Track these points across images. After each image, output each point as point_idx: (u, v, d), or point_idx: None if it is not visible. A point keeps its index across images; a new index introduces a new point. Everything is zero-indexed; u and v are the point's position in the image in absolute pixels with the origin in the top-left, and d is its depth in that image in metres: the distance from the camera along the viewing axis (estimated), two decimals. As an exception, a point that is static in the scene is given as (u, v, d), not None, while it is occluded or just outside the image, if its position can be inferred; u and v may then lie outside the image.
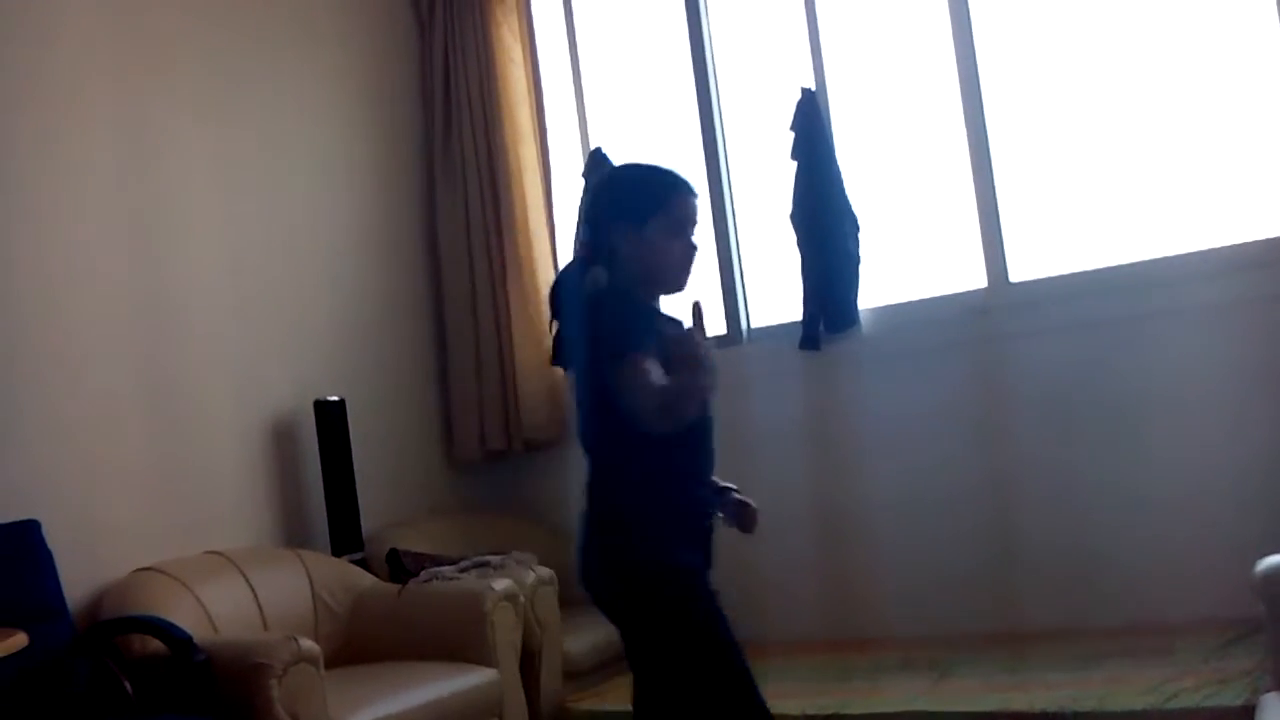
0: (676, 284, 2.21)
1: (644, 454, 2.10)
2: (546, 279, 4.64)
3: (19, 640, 2.37)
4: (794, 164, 4.21)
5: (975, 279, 4.02)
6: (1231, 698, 2.80)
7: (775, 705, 3.34)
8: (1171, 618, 3.54)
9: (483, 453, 4.70)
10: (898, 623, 3.99)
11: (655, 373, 1.99)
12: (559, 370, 4.58)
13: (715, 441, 2.25)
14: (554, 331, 2.33)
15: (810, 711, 3.29)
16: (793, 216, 4.22)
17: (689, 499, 2.19)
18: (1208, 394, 3.62)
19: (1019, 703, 3.08)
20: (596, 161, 4.59)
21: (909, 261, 4.20)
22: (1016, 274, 3.97)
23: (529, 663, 3.68)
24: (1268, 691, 2.21)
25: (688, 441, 2.15)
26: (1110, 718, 2.92)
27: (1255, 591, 2.23)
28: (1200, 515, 3.59)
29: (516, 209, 4.64)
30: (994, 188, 3.98)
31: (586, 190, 2.29)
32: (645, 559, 2.12)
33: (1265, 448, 3.53)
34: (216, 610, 3.39)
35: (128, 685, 3.01)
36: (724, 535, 2.38)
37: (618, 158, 4.56)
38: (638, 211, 2.15)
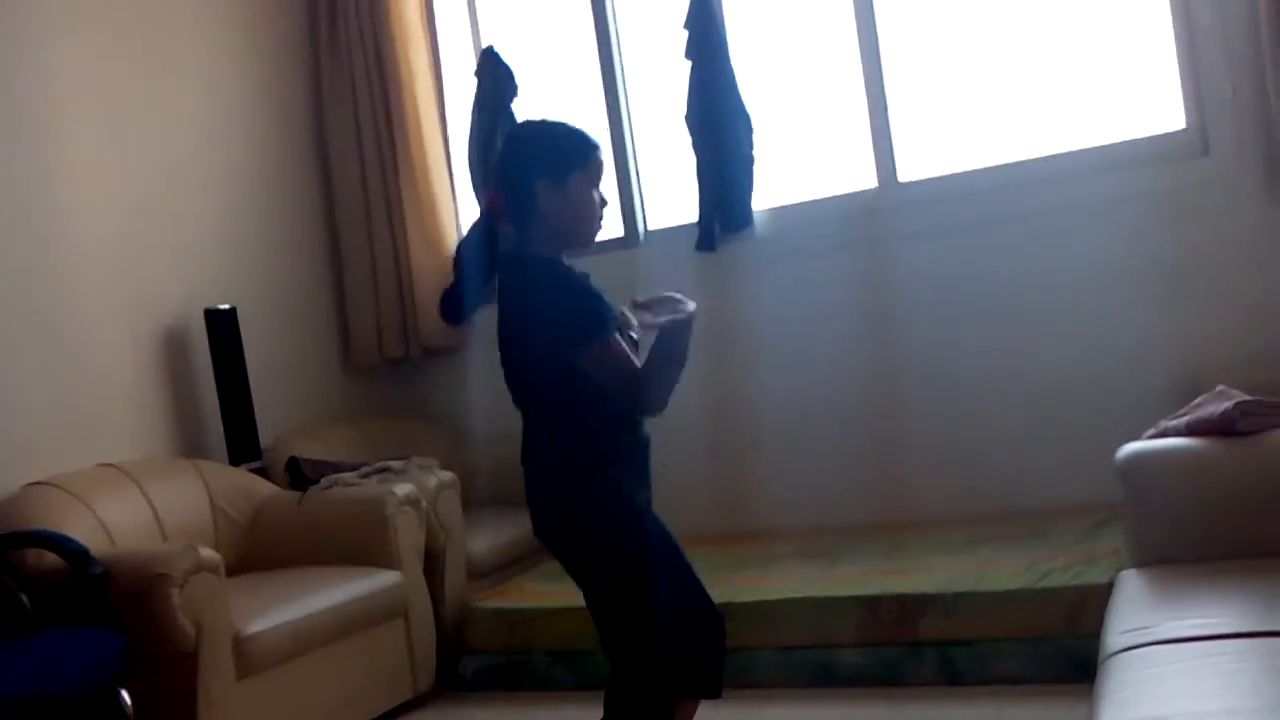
0: (591, 236, 2.26)
1: (597, 404, 2.14)
2: (441, 182, 4.60)
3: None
4: (688, 64, 4.21)
5: (865, 179, 4.10)
6: (1098, 575, 2.99)
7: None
8: (1047, 504, 3.74)
9: (381, 359, 4.69)
10: (789, 515, 4.14)
11: (626, 354, 2.08)
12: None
13: None
14: (451, 287, 2.34)
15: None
16: (687, 117, 4.23)
17: (636, 438, 2.24)
18: (1086, 289, 3.78)
19: (902, 586, 3.24)
20: (489, 60, 4.53)
21: (801, 162, 4.26)
22: (905, 174, 4.06)
23: (433, 564, 3.73)
24: (1128, 568, 2.36)
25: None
26: (986, 597, 3.09)
27: (1116, 476, 2.37)
28: (1075, 406, 3.78)
29: (408, 111, 4.55)
30: (883, 88, 4.04)
31: (504, 142, 2.30)
32: (605, 506, 2.18)
33: (1139, 340, 3.70)
34: (113, 523, 3.36)
35: (25, 600, 2.99)
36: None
37: (510, 57, 4.50)
38: (560, 167, 2.18)
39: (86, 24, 3.84)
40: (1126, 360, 3.71)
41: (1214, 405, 2.38)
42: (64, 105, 3.75)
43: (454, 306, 2.42)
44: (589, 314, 2.10)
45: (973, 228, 3.90)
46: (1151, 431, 2.44)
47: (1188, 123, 3.66)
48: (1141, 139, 3.73)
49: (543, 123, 2.27)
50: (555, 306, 2.13)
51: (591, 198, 2.21)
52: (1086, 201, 3.74)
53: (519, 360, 2.20)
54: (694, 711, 2.37)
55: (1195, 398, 2.54)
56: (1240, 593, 2.01)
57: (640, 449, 2.25)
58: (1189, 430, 2.36)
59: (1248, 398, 2.36)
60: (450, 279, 2.46)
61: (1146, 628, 1.89)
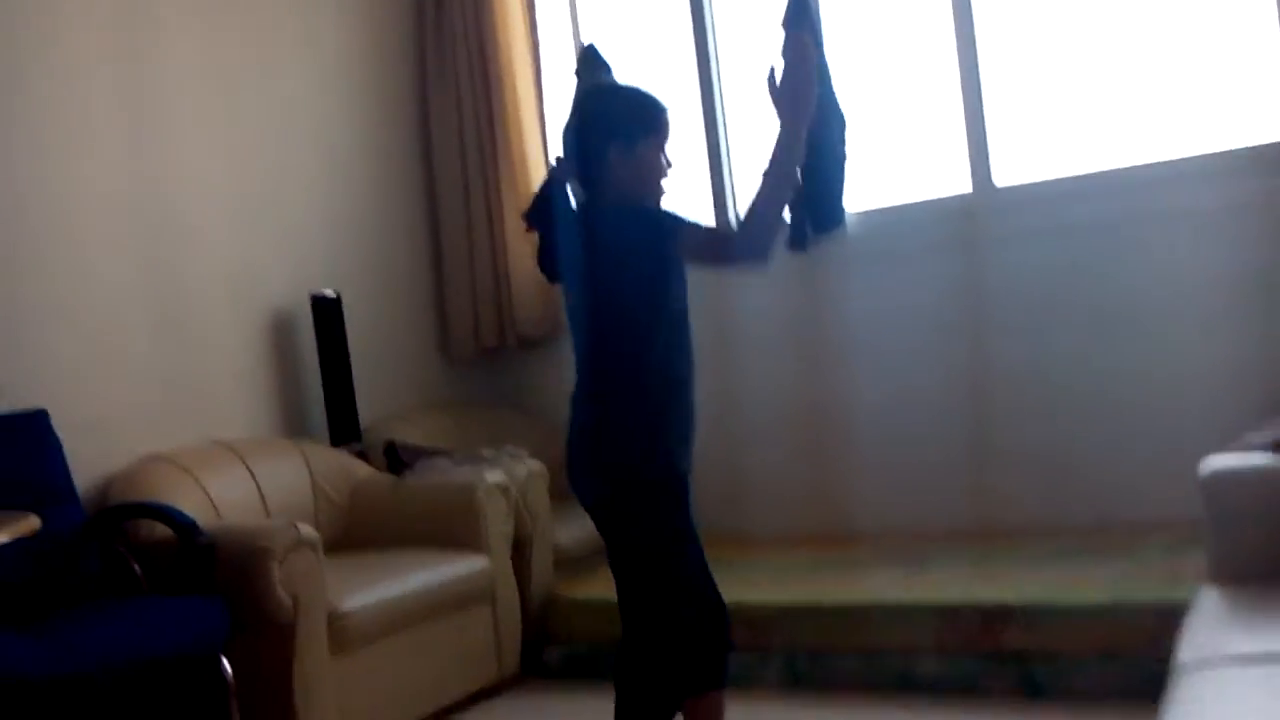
0: (657, 198, 2.35)
1: (650, 362, 2.26)
2: (539, 176, 4.69)
3: (32, 523, 2.48)
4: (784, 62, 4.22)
5: (960, 183, 4.08)
6: (1182, 594, 2.92)
7: (755, 595, 3.54)
8: (1137, 517, 3.69)
9: (477, 349, 4.80)
10: (877, 519, 4.14)
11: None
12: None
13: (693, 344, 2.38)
14: (539, 243, 2.46)
15: (787, 601, 3.45)
16: (783, 117, 4.25)
17: (685, 404, 2.32)
18: (1181, 299, 3.72)
19: (985, 595, 3.23)
20: (588, 58, 4.59)
21: (895, 165, 4.25)
22: (1001, 179, 4.03)
23: (520, 552, 3.83)
24: (1207, 585, 2.34)
25: (683, 347, 2.32)
26: (1069, 611, 3.07)
27: (1200, 491, 2.34)
28: (1167, 418, 3.72)
29: (508, 106, 4.66)
30: (980, 91, 4.01)
31: (574, 108, 2.38)
32: (648, 465, 2.28)
33: (1234, 351, 3.63)
34: (220, 497, 3.52)
35: (137, 568, 3.16)
36: (711, 434, 2.49)
37: (610, 54, 4.57)
38: (630, 132, 2.28)
39: (197, 10, 4.01)
40: (1223, 372, 3.63)
41: (1303, 423, 2.34)
42: (177, 95, 3.92)
43: (547, 262, 2.51)
44: (671, 213, 2.28)
45: (1068, 234, 3.87)
46: (1236, 446, 2.41)
47: (1292, 133, 3.58)
48: (1242, 149, 3.65)
49: (613, 89, 2.36)
50: (643, 218, 2.26)
51: (659, 161, 2.30)
52: (1184, 210, 3.67)
53: (602, 302, 2.29)
54: (718, 704, 2.41)
55: (1286, 415, 2.51)
56: (1321, 615, 1.99)
57: (687, 415, 2.33)
58: (1275, 446, 2.33)
59: (1339, 417, 2.32)
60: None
61: (1219, 645, 1.89)
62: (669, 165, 2.33)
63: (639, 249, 2.25)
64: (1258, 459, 2.31)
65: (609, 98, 2.40)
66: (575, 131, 2.41)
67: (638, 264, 2.24)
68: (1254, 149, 3.64)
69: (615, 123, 2.30)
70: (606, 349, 2.32)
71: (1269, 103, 3.63)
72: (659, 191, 2.33)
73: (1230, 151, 3.67)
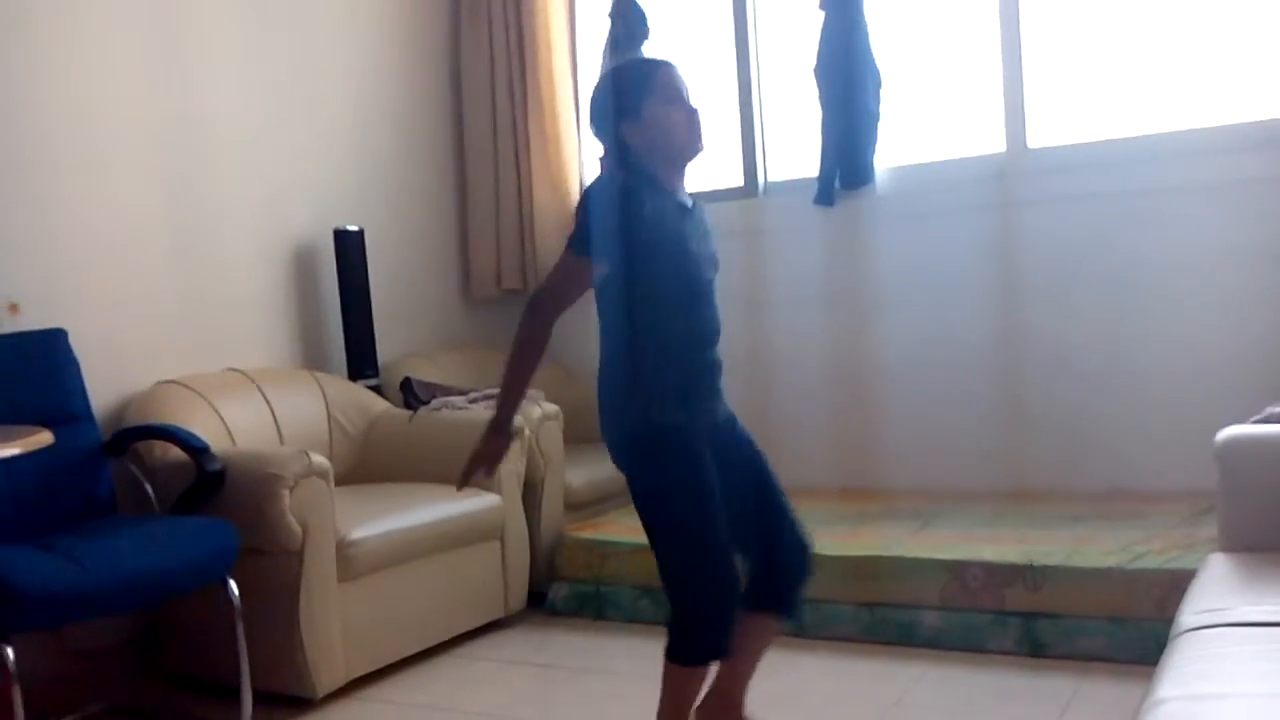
0: (691, 148, 2.30)
1: (644, 323, 2.26)
2: (568, 121, 4.66)
3: (45, 438, 2.50)
4: (821, 14, 4.17)
5: (993, 143, 4.03)
6: (1192, 562, 2.92)
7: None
8: (1155, 487, 3.68)
9: (498, 291, 4.80)
10: (898, 475, 4.16)
11: (574, 280, 2.28)
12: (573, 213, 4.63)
13: (714, 307, 2.35)
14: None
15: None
16: (816, 69, 4.20)
17: (682, 363, 2.31)
18: (1209, 269, 3.68)
19: (988, 554, 3.22)
20: (623, 2, 4.55)
21: (927, 122, 4.20)
22: (1035, 140, 3.97)
23: (531, 492, 3.85)
24: (1217, 553, 2.32)
25: (685, 311, 2.30)
26: (1075, 573, 3.06)
27: (1214, 460, 2.32)
28: (1190, 388, 3.69)
29: (540, 50, 4.62)
30: (1019, 51, 3.95)
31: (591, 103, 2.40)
32: (635, 417, 2.27)
33: (1258, 326, 3.59)
34: (235, 424, 3.55)
35: (149, 488, 3.19)
36: (738, 384, 2.48)
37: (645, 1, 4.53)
38: (631, 102, 2.26)
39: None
40: (1246, 346, 3.60)
41: (1325, 395, 2.31)
42: (209, 24, 3.91)
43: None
44: (585, 228, 2.23)
45: (1100, 199, 3.82)
46: (1256, 418, 2.38)
47: (1335, 104, 3.50)
48: (1274, 119, 3.58)
49: (611, 71, 2.34)
50: (584, 211, 2.25)
51: (669, 115, 2.25)
52: (1216, 181, 3.62)
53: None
54: (767, 629, 2.40)
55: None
56: (1329, 585, 1.97)
57: (691, 370, 2.31)
58: (1296, 418, 2.30)
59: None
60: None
61: (1222, 609, 1.87)
62: (690, 114, 2.27)
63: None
64: (1274, 429, 2.28)
65: (607, 82, 2.38)
66: (592, 126, 2.39)
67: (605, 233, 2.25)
68: (1287, 120, 3.58)
69: (617, 101, 2.29)
70: (602, 316, 2.35)
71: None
72: (682, 141, 2.27)
73: (1262, 122, 3.61)
